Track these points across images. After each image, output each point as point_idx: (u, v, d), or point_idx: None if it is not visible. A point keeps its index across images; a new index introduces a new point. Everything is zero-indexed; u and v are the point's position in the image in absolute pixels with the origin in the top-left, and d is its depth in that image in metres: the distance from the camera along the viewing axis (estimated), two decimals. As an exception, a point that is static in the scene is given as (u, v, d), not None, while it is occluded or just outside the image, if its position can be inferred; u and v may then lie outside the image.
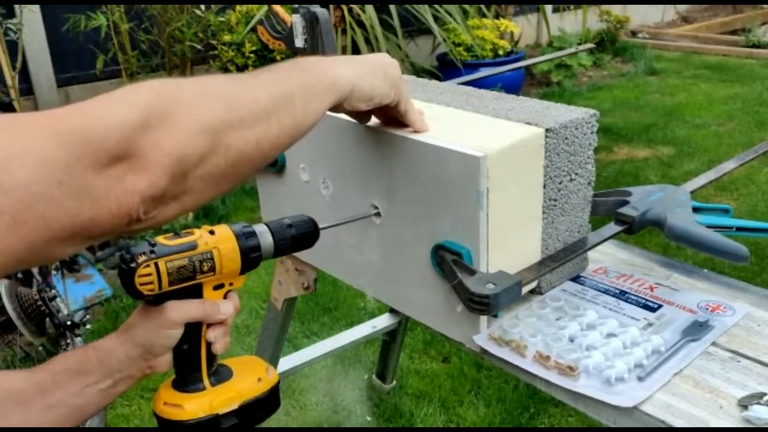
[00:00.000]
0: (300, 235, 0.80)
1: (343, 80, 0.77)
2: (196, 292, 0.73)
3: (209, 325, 0.75)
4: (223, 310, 0.75)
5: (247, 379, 0.79)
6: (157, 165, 0.58)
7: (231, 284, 0.76)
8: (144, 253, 0.68)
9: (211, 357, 0.77)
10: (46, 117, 0.56)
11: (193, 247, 0.71)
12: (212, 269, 0.72)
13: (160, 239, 0.70)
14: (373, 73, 0.81)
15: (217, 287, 0.75)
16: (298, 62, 0.76)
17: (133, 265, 0.68)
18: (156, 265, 0.68)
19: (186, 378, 0.76)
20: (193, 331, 0.74)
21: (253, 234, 0.75)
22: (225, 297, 0.76)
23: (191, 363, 0.76)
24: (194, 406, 0.74)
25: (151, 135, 0.58)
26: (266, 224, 0.78)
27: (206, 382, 0.76)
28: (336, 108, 0.79)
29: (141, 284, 0.68)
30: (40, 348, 2.17)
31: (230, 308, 0.76)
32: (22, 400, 0.70)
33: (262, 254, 0.76)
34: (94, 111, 0.58)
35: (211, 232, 0.73)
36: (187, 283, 0.71)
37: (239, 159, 0.65)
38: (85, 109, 0.58)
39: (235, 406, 0.76)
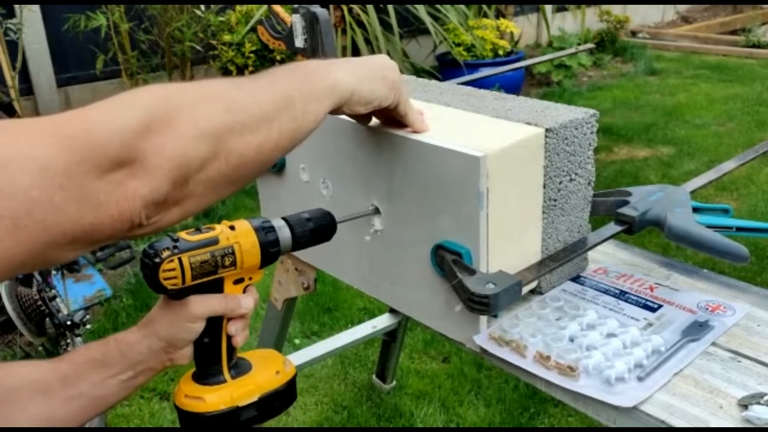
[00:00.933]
0: (319, 228, 0.81)
1: (342, 84, 0.77)
2: (217, 287, 0.74)
3: (230, 319, 0.76)
4: (244, 304, 0.76)
5: (266, 372, 0.80)
6: (159, 170, 0.59)
7: (250, 278, 0.77)
8: (168, 249, 0.69)
9: (231, 350, 0.78)
10: (49, 122, 0.56)
11: (215, 242, 0.72)
12: (233, 264, 0.73)
13: (183, 234, 0.71)
14: (372, 76, 0.81)
15: (237, 281, 0.76)
16: (297, 66, 0.76)
17: (157, 260, 0.69)
18: (180, 260, 0.69)
19: (206, 371, 0.77)
20: (215, 324, 0.75)
21: (272, 229, 0.77)
22: (244, 291, 0.77)
23: (212, 356, 0.77)
24: (215, 398, 0.75)
25: (152, 139, 0.58)
26: (285, 219, 0.79)
27: (227, 374, 0.78)
28: (336, 111, 0.79)
29: (165, 279, 0.69)
30: (40, 348, 2.17)
31: (251, 302, 0.77)
32: (45, 390, 0.71)
33: (281, 248, 0.77)
34: (96, 116, 0.58)
35: (232, 228, 0.74)
36: (209, 278, 0.73)
37: (241, 163, 0.66)
38: (87, 114, 0.58)
39: (254, 398, 0.77)
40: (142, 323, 0.76)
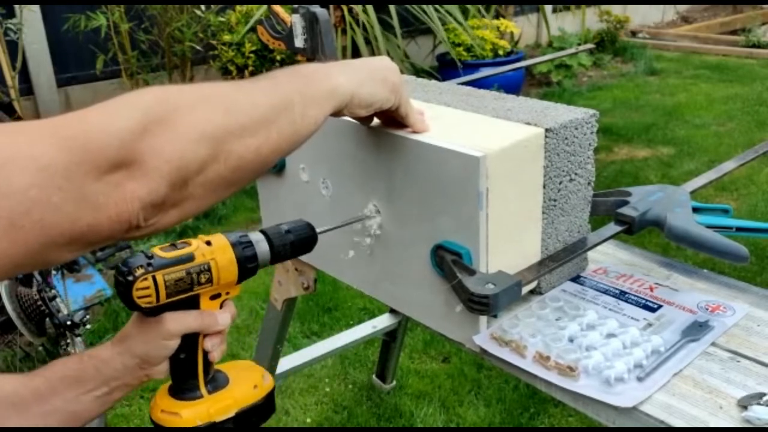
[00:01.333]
0: (298, 241, 0.80)
1: (342, 88, 0.77)
2: (192, 303, 0.73)
3: (206, 335, 0.75)
4: (220, 321, 0.75)
5: (244, 386, 0.79)
6: (157, 172, 0.59)
7: (227, 293, 0.76)
8: (142, 266, 0.68)
9: (208, 364, 0.77)
10: (49, 124, 0.57)
11: (190, 258, 0.71)
12: (210, 281, 0.72)
13: (157, 251, 0.70)
14: (372, 79, 0.81)
15: (213, 297, 0.75)
16: (297, 69, 0.76)
17: (130, 278, 0.68)
18: (154, 278, 0.68)
19: (183, 385, 0.76)
20: (190, 340, 0.74)
21: (250, 243, 0.75)
22: (221, 306, 0.76)
23: (188, 371, 0.76)
24: (191, 413, 0.74)
25: (150, 141, 0.58)
26: (263, 231, 0.78)
27: (203, 389, 0.76)
28: (336, 114, 0.79)
29: (139, 297, 0.68)
30: (40, 348, 2.18)
31: (227, 319, 0.76)
32: (20, 405, 0.70)
33: (259, 263, 0.76)
34: (95, 117, 0.59)
35: (208, 243, 0.73)
36: (185, 295, 0.71)
37: (240, 166, 0.66)
38: (87, 116, 0.58)
39: (231, 413, 0.76)
40: (116, 339, 0.75)
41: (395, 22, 3.87)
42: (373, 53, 3.80)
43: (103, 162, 0.56)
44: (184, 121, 0.61)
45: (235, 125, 0.65)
